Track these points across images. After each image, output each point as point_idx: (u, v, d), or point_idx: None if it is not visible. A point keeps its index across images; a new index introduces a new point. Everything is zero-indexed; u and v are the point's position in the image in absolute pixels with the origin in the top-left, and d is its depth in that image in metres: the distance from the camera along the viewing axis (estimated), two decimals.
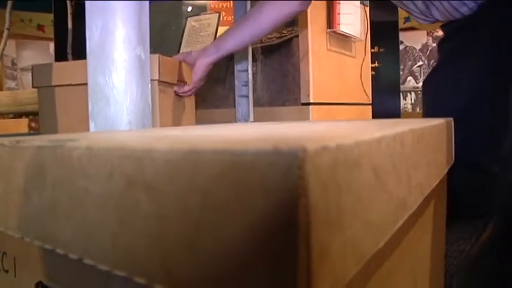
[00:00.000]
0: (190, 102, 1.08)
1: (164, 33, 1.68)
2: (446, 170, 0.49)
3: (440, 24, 1.06)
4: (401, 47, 4.35)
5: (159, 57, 0.90)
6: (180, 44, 1.49)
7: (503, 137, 0.98)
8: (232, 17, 1.60)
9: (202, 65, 1.05)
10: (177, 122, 1.00)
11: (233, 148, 0.16)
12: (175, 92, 0.98)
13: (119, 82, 0.59)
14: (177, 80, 0.97)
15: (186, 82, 1.01)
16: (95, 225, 0.23)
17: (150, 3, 0.67)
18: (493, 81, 0.92)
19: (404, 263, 0.35)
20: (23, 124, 1.91)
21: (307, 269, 0.15)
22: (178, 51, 1.55)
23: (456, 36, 1.01)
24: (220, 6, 1.71)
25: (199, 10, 1.72)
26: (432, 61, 4.52)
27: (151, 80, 0.93)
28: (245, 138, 0.20)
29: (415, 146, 0.31)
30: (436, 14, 1.01)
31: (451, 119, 0.55)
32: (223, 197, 0.16)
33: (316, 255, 0.15)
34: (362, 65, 1.71)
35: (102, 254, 0.22)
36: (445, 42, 1.06)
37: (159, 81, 0.89)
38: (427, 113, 1.06)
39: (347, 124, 0.38)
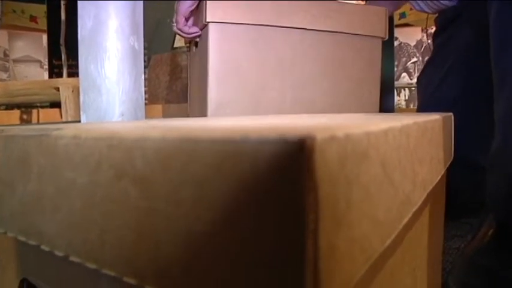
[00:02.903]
0: None
1: (159, 28, 1.67)
2: (446, 166, 0.48)
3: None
4: (395, 43, 4.34)
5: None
6: (174, 39, 1.47)
7: (492, 131, 0.97)
8: None
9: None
10: None
11: (233, 136, 0.14)
12: None
13: (111, 72, 0.58)
14: None
15: None
16: (82, 218, 0.21)
17: None
18: (479, 74, 0.91)
19: (405, 262, 0.33)
20: (14, 116, 1.89)
21: (315, 268, 0.13)
22: (172, 46, 1.54)
23: (445, 29, 1.01)
24: None
25: None
26: (426, 57, 4.51)
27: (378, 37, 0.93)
28: (246, 127, 0.18)
29: (419, 140, 0.29)
30: (422, 5, 1.01)
31: (451, 114, 0.53)
32: (220, 189, 0.15)
33: (324, 254, 0.14)
34: None
35: (89, 250, 0.21)
36: (437, 35, 1.06)
37: None
38: (420, 107, 1.06)
39: (350, 116, 0.37)
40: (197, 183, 0.16)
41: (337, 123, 0.19)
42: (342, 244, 0.15)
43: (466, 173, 0.95)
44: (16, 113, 1.93)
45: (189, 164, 0.16)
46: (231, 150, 0.14)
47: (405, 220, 0.25)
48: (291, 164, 0.13)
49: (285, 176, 0.13)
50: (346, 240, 0.15)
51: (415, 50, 4.79)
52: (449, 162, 0.50)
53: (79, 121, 0.60)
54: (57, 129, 0.23)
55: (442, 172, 0.44)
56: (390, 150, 0.22)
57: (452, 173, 0.61)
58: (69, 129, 0.23)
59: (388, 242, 0.21)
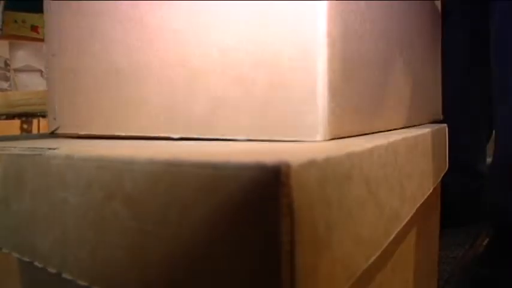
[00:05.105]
0: None
1: None
2: (440, 178, 0.48)
3: None
4: None
5: None
6: None
7: (485, 137, 0.96)
8: None
9: None
10: None
11: (214, 161, 0.15)
12: None
13: None
14: None
15: None
16: (74, 237, 0.22)
17: None
18: (475, 77, 0.90)
19: (396, 274, 0.34)
20: (15, 126, 1.89)
21: (292, 287, 0.14)
22: None
23: None
24: None
25: None
26: None
27: None
28: (229, 150, 0.19)
29: (408, 156, 0.30)
30: None
31: (445, 125, 0.54)
32: (203, 212, 0.15)
33: (302, 273, 0.14)
34: None
35: (81, 267, 0.21)
36: None
37: None
38: None
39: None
40: (182, 205, 0.16)
41: (319, 145, 0.20)
42: (322, 264, 0.15)
43: (465, 180, 0.94)
44: (16, 122, 1.93)
45: (174, 187, 0.16)
46: (212, 174, 0.15)
47: (393, 235, 0.25)
48: (267, 189, 0.14)
49: (262, 200, 0.14)
50: (327, 260, 0.16)
51: None
52: (442, 174, 0.50)
53: None
54: (51, 148, 0.24)
55: (435, 184, 0.45)
56: (376, 169, 0.22)
57: (450, 181, 0.61)
58: (62, 149, 0.23)
59: (373, 258, 0.21)
